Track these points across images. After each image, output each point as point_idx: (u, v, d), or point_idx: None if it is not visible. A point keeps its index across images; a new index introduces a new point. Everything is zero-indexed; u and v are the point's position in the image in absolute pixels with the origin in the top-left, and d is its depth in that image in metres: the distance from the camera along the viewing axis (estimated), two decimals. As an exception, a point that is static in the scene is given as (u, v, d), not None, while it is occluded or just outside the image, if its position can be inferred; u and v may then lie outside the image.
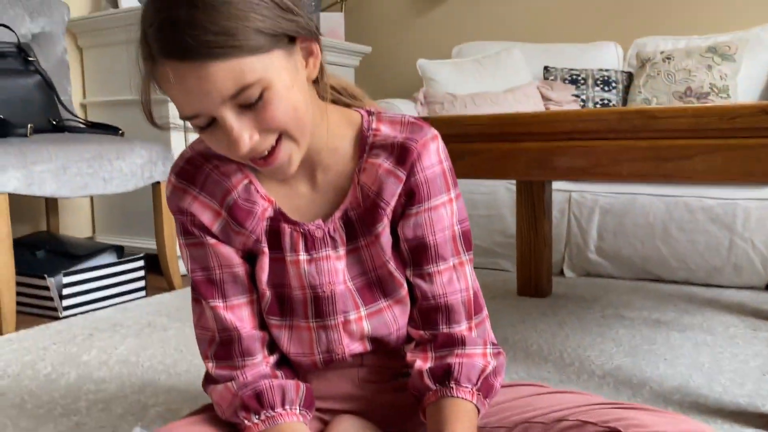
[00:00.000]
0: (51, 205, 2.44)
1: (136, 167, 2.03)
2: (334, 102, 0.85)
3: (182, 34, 0.62)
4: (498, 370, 0.81)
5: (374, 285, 0.82)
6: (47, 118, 2.11)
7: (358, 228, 0.81)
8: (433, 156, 0.81)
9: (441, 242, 0.81)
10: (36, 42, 2.28)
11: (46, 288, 1.91)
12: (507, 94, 2.49)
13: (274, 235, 0.81)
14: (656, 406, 1.19)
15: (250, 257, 0.83)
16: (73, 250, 2.06)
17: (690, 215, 2.05)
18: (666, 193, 2.09)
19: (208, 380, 0.84)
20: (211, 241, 0.80)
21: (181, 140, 2.34)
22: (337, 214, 0.81)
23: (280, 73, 0.67)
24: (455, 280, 0.82)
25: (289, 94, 0.69)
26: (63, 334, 1.71)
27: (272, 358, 0.83)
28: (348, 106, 0.86)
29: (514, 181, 2.21)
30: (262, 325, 0.83)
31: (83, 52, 2.62)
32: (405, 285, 0.83)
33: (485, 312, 0.85)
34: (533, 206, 1.97)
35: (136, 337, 1.68)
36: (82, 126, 2.21)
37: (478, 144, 1.30)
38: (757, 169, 1.06)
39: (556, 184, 2.23)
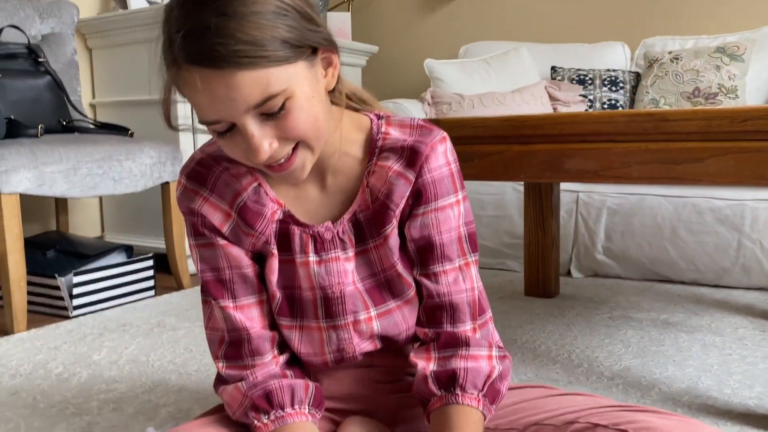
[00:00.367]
0: (61, 204, 2.45)
1: (145, 167, 2.04)
2: (336, 104, 0.86)
3: (212, 43, 0.63)
4: (504, 374, 0.82)
5: (383, 286, 0.83)
6: (57, 119, 2.13)
7: (366, 230, 0.82)
8: (441, 157, 0.82)
9: (447, 243, 0.82)
10: (46, 43, 2.29)
11: (57, 287, 1.92)
12: (515, 95, 2.49)
13: (283, 237, 0.81)
14: (665, 408, 1.19)
15: (260, 258, 0.83)
16: (83, 250, 2.07)
17: (698, 216, 2.05)
18: (674, 194, 2.09)
19: (219, 381, 0.85)
20: (221, 242, 0.81)
21: (189, 141, 2.35)
22: (346, 216, 0.81)
23: (302, 84, 0.68)
24: (461, 280, 0.82)
25: (310, 105, 0.69)
26: (73, 334, 1.72)
27: (282, 358, 0.83)
28: (356, 110, 0.87)
29: (521, 182, 2.22)
30: (272, 325, 0.84)
31: (92, 53, 2.63)
32: (413, 285, 0.84)
33: (489, 313, 0.85)
34: (541, 207, 1.98)
35: (145, 336, 1.69)
36: (91, 127, 2.22)
37: (488, 146, 1.30)
38: (769, 172, 1.06)
39: (564, 185, 2.23)
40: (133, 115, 2.44)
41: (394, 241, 0.82)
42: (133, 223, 2.55)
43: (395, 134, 0.82)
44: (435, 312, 0.82)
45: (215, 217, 0.80)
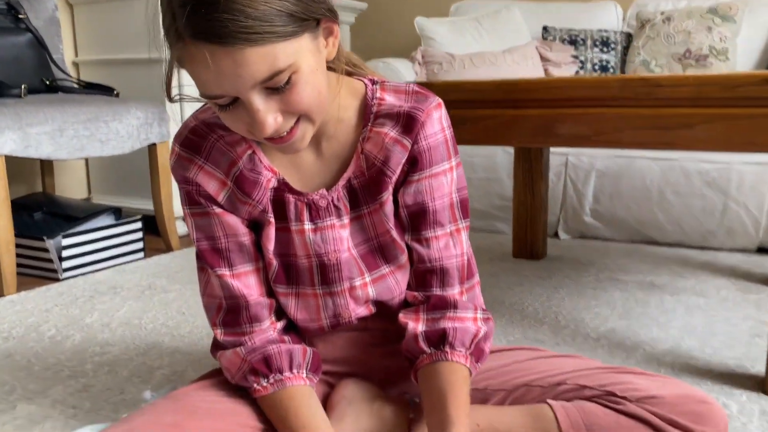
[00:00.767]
0: (46, 165, 2.42)
1: (132, 129, 2.01)
2: (333, 70, 0.85)
3: (221, 18, 0.62)
4: (488, 335, 0.84)
5: (377, 251, 0.84)
6: (40, 78, 2.08)
7: (361, 196, 0.82)
8: (437, 124, 0.82)
9: (440, 209, 0.83)
10: (26, -1, 2.23)
11: (45, 250, 1.91)
12: (506, 55, 2.47)
13: (278, 205, 0.82)
14: (649, 369, 1.22)
15: (255, 226, 0.84)
16: (71, 212, 2.06)
17: (686, 179, 2.06)
18: (662, 157, 2.10)
19: (216, 346, 0.86)
20: (217, 210, 0.81)
21: (176, 104, 2.31)
22: (341, 182, 0.81)
23: (307, 57, 0.68)
24: (451, 245, 0.84)
25: (314, 78, 0.69)
26: (64, 297, 1.72)
27: (279, 324, 0.84)
28: (350, 74, 0.86)
29: (511, 144, 2.21)
30: (269, 292, 0.84)
31: (74, 9, 2.56)
32: (405, 250, 0.85)
33: (477, 278, 0.87)
34: (530, 170, 1.98)
35: (137, 299, 1.70)
36: (75, 87, 2.18)
37: (480, 110, 1.29)
38: (759, 138, 1.07)
39: (554, 148, 2.23)
40: (117, 74, 2.39)
41: (389, 207, 0.82)
42: (120, 185, 2.52)
43: (390, 100, 0.82)
44: (425, 276, 0.84)
45: (210, 186, 0.79)
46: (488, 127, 1.29)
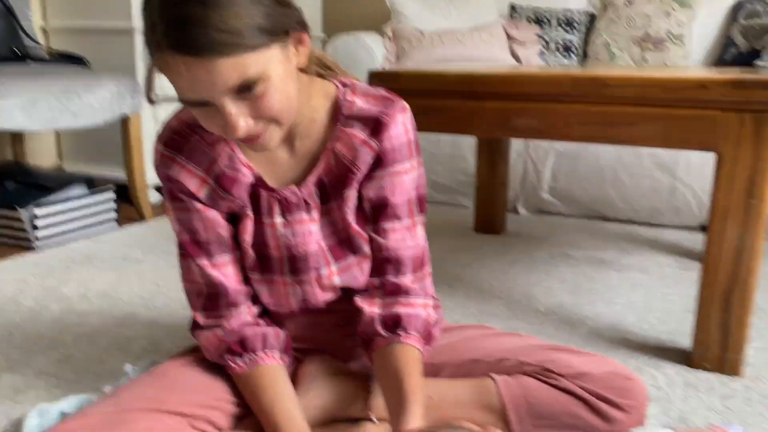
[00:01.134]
0: (17, 133, 2.43)
1: (105, 101, 2.04)
2: (305, 72, 0.91)
3: (194, 33, 0.67)
4: (437, 321, 0.94)
5: (344, 243, 0.92)
6: (10, 47, 2.08)
7: (330, 192, 0.90)
8: (401, 127, 0.89)
9: (399, 204, 0.91)
10: (-8, -37, 2.20)
11: (19, 219, 1.95)
12: (473, 33, 2.53)
13: (253, 199, 0.89)
14: (591, 343, 1.35)
15: (233, 218, 0.91)
16: (43, 182, 2.09)
17: (638, 161, 2.18)
18: (617, 138, 2.21)
19: (196, 326, 0.94)
20: (198, 206, 0.88)
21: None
22: (311, 179, 0.89)
23: (277, 66, 0.74)
24: (408, 237, 0.92)
25: (284, 85, 0.75)
26: (40, 267, 1.78)
27: (255, 309, 0.93)
28: (321, 76, 0.93)
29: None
30: (246, 280, 0.93)
31: (41, -27, 2.53)
32: (369, 241, 0.93)
33: (428, 268, 0.96)
34: (492, 148, 2.07)
35: (112, 270, 1.76)
36: (46, 56, 2.18)
37: (445, 100, 1.37)
38: (693, 138, 1.17)
39: (516, 126, 2.32)
40: (88, 43, 2.39)
41: (352, 202, 0.90)
42: (92, 153, 2.54)
43: (360, 103, 0.89)
44: (381, 264, 0.92)
45: (192, 183, 0.86)
46: (451, 118, 1.37)
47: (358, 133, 0.88)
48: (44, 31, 2.55)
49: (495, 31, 2.57)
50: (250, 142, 0.79)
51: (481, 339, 1.02)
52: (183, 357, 0.95)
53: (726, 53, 2.42)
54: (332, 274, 0.92)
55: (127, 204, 2.35)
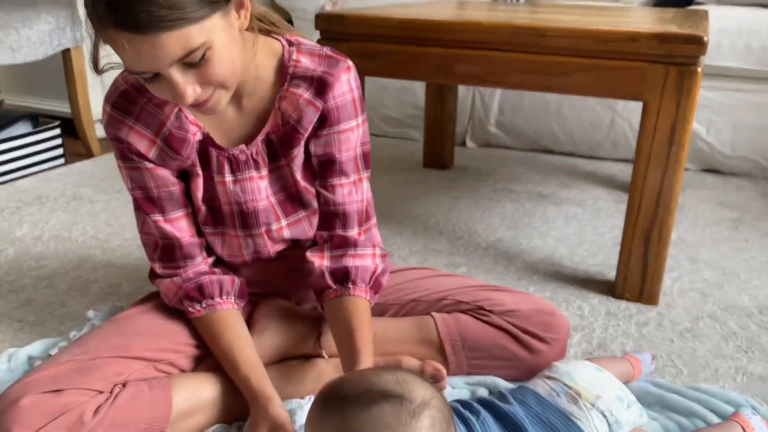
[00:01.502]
0: (-50, 65, 2.33)
1: (44, 35, 1.98)
2: (250, 28, 0.93)
3: (136, 10, 0.69)
4: (385, 270, 1.00)
5: (294, 198, 0.98)
6: (-63, -24, 1.98)
7: (278, 149, 0.94)
8: (345, 85, 0.93)
9: (345, 160, 0.96)
10: None
11: (-37, 159, 1.92)
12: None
13: (202, 156, 0.93)
14: (526, 276, 1.46)
15: (184, 175, 0.95)
16: (-15, 119, 2.05)
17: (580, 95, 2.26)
18: (561, 73, 2.27)
19: (154, 275, 1.00)
20: (149, 165, 0.91)
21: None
22: (260, 137, 0.93)
23: (219, 33, 0.77)
24: (354, 192, 0.98)
25: (228, 51, 0.78)
26: (-10, 208, 1.78)
27: (210, 259, 0.99)
28: (267, 32, 0.95)
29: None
30: (200, 232, 0.98)
31: None
32: (316, 196, 0.98)
33: (374, 220, 1.02)
34: (440, 83, 2.11)
35: (64, 210, 1.77)
36: (-23, -15, 2.08)
37: (389, 45, 1.40)
38: (623, 88, 1.25)
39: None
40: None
41: (300, 159, 0.95)
42: (34, 86, 2.48)
43: (305, 62, 0.92)
44: (329, 218, 0.98)
45: (141, 145, 0.90)
46: (395, 62, 1.41)
47: (303, 93, 0.91)
48: (-28, -45, 2.41)
49: (445, -39, 2.54)
50: (199, 107, 0.82)
51: (423, 281, 1.11)
52: (144, 303, 1.01)
53: (668, -13, 2.47)
54: (282, 229, 0.98)
55: (74, 138, 2.32)
